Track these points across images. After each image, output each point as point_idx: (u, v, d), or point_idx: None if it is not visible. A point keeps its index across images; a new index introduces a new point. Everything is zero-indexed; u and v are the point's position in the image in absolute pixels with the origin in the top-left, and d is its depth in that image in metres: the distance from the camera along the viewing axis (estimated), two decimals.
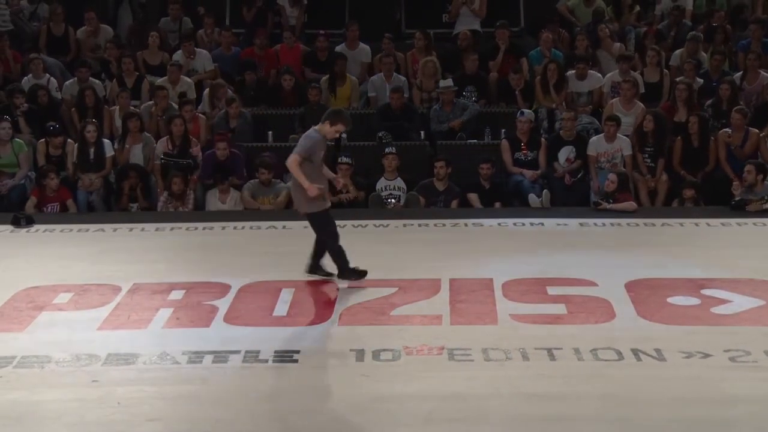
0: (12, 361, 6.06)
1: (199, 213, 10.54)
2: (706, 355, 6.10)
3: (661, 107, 11.72)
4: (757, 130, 11.10)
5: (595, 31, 13.26)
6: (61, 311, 7.06)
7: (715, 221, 9.61)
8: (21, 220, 9.64)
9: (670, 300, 7.17)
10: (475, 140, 11.62)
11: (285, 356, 6.13)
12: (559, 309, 6.98)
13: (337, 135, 7.84)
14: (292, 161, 7.30)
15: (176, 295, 7.31)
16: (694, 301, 7.17)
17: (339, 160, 10.78)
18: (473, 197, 10.77)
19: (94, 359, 6.09)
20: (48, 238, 9.25)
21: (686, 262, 8.12)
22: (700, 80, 12.16)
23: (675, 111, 11.53)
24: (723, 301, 7.14)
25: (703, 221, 9.63)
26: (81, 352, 6.20)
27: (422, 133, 11.78)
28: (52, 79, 12.29)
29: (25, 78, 12.28)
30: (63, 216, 10.35)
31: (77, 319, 6.89)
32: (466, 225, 9.61)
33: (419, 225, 9.56)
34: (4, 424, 5.26)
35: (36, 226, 9.60)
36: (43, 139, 11.17)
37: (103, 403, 5.47)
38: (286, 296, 7.28)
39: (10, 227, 9.56)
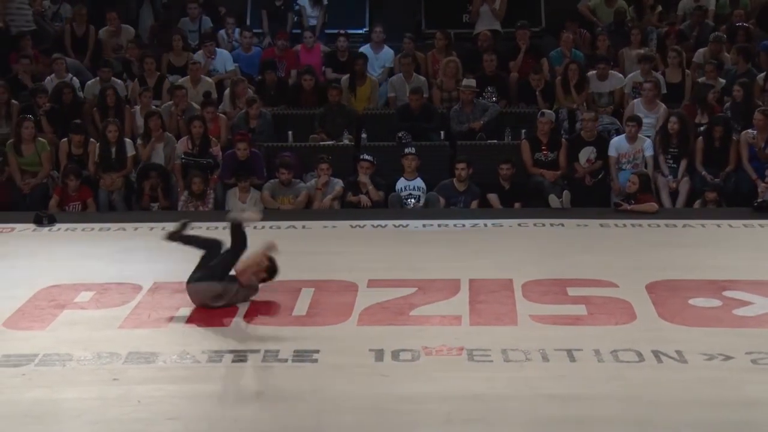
0: (34, 359, 6.10)
1: (219, 212, 10.57)
2: (728, 357, 6.05)
3: (683, 107, 11.66)
4: None
5: (619, 31, 13.21)
6: (83, 310, 7.10)
7: (737, 222, 9.54)
8: (43, 218, 9.71)
9: (691, 301, 7.13)
10: (495, 140, 11.60)
11: (304, 356, 6.13)
12: (580, 310, 6.95)
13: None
14: None
15: None
16: (715, 302, 7.12)
17: (360, 157, 10.80)
18: (493, 198, 10.75)
19: (114, 357, 6.12)
20: (70, 237, 9.31)
21: (708, 264, 8.07)
22: (722, 80, 12.09)
23: (696, 112, 11.46)
24: (745, 303, 7.09)
25: (725, 222, 9.55)
26: (102, 350, 6.23)
27: (442, 133, 11.77)
28: (75, 78, 12.38)
29: (48, 78, 12.37)
30: (85, 215, 10.41)
31: (98, 317, 6.93)
32: (485, 225, 9.59)
33: (439, 225, 9.55)
34: (25, 422, 5.30)
35: (58, 225, 9.66)
36: (65, 139, 11.25)
37: (124, 401, 5.50)
38: (305, 296, 7.28)
39: (32, 226, 9.62)
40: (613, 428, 5.23)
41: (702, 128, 11.22)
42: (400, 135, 11.48)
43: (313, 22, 13.61)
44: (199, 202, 10.67)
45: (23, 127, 11.04)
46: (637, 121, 11.07)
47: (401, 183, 10.77)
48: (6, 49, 13.08)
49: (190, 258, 7.99)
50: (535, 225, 9.55)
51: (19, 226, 9.58)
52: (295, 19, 13.76)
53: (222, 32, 13.55)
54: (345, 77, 12.42)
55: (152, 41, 13.53)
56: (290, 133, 11.79)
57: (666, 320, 6.77)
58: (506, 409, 5.40)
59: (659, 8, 14.13)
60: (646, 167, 10.89)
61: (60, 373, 5.91)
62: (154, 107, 11.73)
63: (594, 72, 12.13)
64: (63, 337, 6.53)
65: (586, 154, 11.11)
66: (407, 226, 9.55)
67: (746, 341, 6.30)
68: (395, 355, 6.13)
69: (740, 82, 11.61)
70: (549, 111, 11.52)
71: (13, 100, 11.81)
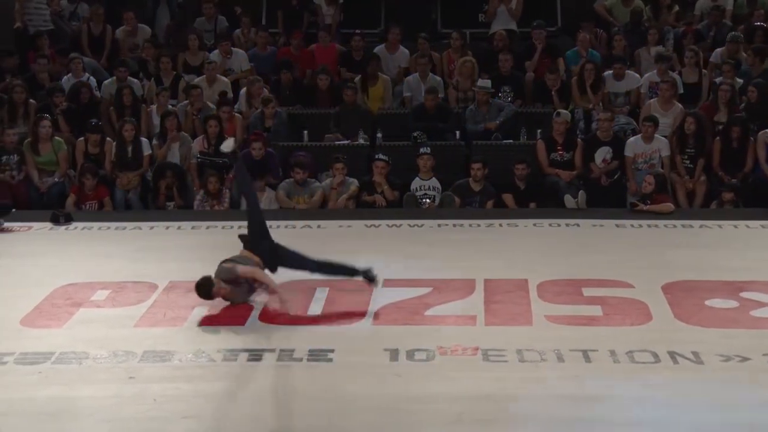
0: (50, 357, 6.14)
1: (235, 212, 10.59)
2: (745, 359, 6.03)
3: (701, 107, 11.62)
4: None
5: (635, 31, 13.15)
6: (99, 308, 7.13)
7: (755, 223, 9.48)
8: (60, 217, 9.76)
9: (708, 302, 7.10)
10: (511, 140, 11.58)
11: (319, 355, 6.14)
12: (595, 310, 6.94)
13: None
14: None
15: None
16: (732, 303, 7.09)
17: (376, 157, 10.80)
18: (508, 198, 10.74)
19: (130, 356, 6.14)
20: (86, 236, 9.35)
21: (725, 265, 8.03)
22: (740, 80, 12.03)
23: (715, 111, 11.42)
24: (762, 304, 7.05)
25: (742, 223, 9.50)
26: (118, 348, 6.26)
27: (457, 133, 11.76)
28: (91, 78, 12.44)
29: (65, 77, 12.43)
30: (101, 214, 10.46)
31: (114, 316, 6.96)
32: (501, 225, 9.57)
33: (454, 225, 9.54)
34: (41, 419, 5.33)
35: (74, 224, 9.71)
36: (82, 138, 11.31)
37: (139, 399, 5.52)
38: (320, 295, 7.29)
39: (49, 225, 9.67)
40: (629, 429, 5.21)
41: (720, 127, 11.15)
42: (415, 135, 11.47)
43: (328, 20, 13.62)
44: (214, 202, 10.70)
45: (40, 126, 11.10)
46: (654, 121, 11.03)
47: (416, 183, 10.77)
48: (24, 49, 13.16)
49: (205, 257, 8.04)
50: (550, 225, 9.53)
51: (36, 225, 9.64)
52: (312, 18, 13.78)
53: (238, 32, 13.58)
54: (358, 77, 12.42)
55: (168, 41, 13.58)
56: (305, 132, 11.80)
57: (682, 321, 6.74)
58: (520, 409, 5.39)
59: (676, 8, 14.06)
60: (662, 167, 10.85)
61: (76, 372, 5.94)
62: (170, 107, 11.77)
63: (610, 72, 12.09)
64: (79, 335, 6.56)
65: (602, 154, 11.08)
66: (422, 225, 9.54)
67: (763, 342, 6.27)
68: (410, 354, 6.13)
69: (755, 83, 11.56)
70: (565, 111, 11.48)
71: (30, 100, 11.88)
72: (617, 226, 9.52)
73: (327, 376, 5.86)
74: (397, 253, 8.49)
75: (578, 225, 9.53)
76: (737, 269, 7.86)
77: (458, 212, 10.26)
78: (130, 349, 6.25)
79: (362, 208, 10.58)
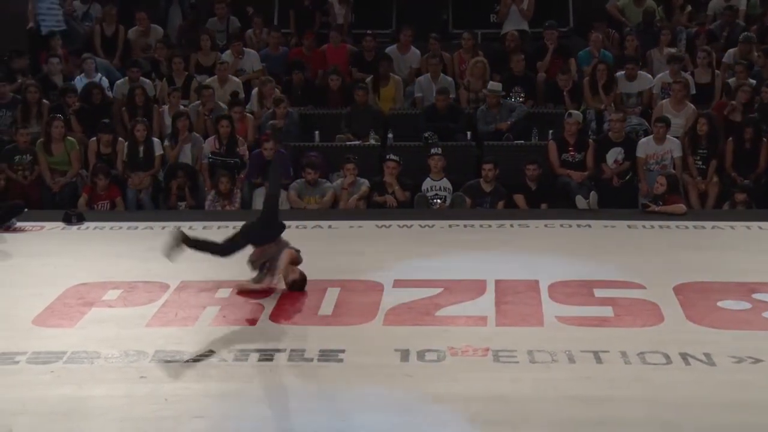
0: (62, 356, 6.16)
1: (246, 212, 10.61)
2: (757, 360, 6.00)
3: (715, 106, 11.58)
4: None
5: (648, 32, 13.12)
6: (110, 308, 7.16)
7: None
8: (72, 217, 9.80)
9: (720, 304, 7.07)
10: (522, 141, 11.57)
11: (330, 355, 6.15)
12: (606, 311, 6.92)
13: None
14: None
15: (223, 293, 7.37)
16: (745, 305, 7.06)
17: (387, 157, 10.81)
18: (519, 198, 10.72)
19: (141, 356, 6.16)
20: (98, 236, 9.39)
21: (737, 266, 8.00)
22: (753, 81, 11.99)
23: (731, 110, 11.37)
24: None
25: (754, 224, 9.47)
26: (129, 348, 6.28)
27: (469, 133, 11.75)
28: (104, 78, 12.49)
29: (78, 77, 12.48)
30: (113, 214, 10.50)
31: (126, 315, 6.98)
32: (512, 226, 9.56)
33: (465, 226, 9.54)
34: (53, 418, 5.35)
35: (86, 224, 9.74)
36: (94, 138, 11.36)
37: (151, 399, 5.54)
38: (331, 295, 7.30)
39: (61, 224, 9.71)
40: (639, 430, 5.20)
41: (734, 124, 11.10)
42: (426, 135, 11.47)
43: (340, 20, 13.63)
44: (225, 202, 10.72)
45: (53, 126, 11.16)
46: (666, 122, 11.00)
47: (427, 183, 10.77)
48: (36, 49, 13.22)
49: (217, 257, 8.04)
50: (561, 226, 9.51)
51: (48, 225, 9.67)
52: (324, 18, 13.80)
53: (250, 32, 13.60)
54: (369, 78, 12.43)
55: (180, 41, 13.62)
56: (317, 133, 11.82)
57: (694, 322, 6.72)
58: (531, 410, 5.38)
59: (689, 8, 14.02)
60: (674, 168, 10.82)
61: (88, 371, 5.96)
62: (182, 107, 11.81)
63: (622, 72, 12.06)
64: (91, 335, 6.59)
65: (614, 155, 11.06)
66: (433, 226, 9.54)
67: None
68: (420, 355, 6.13)
69: None
70: (576, 112, 11.46)
71: (43, 100, 11.93)
72: (629, 227, 9.50)
73: (338, 376, 5.87)
74: (407, 253, 8.49)
75: (590, 226, 9.52)
76: (749, 270, 7.82)
77: (469, 213, 10.26)
78: (141, 348, 6.27)
79: (373, 208, 10.58)
